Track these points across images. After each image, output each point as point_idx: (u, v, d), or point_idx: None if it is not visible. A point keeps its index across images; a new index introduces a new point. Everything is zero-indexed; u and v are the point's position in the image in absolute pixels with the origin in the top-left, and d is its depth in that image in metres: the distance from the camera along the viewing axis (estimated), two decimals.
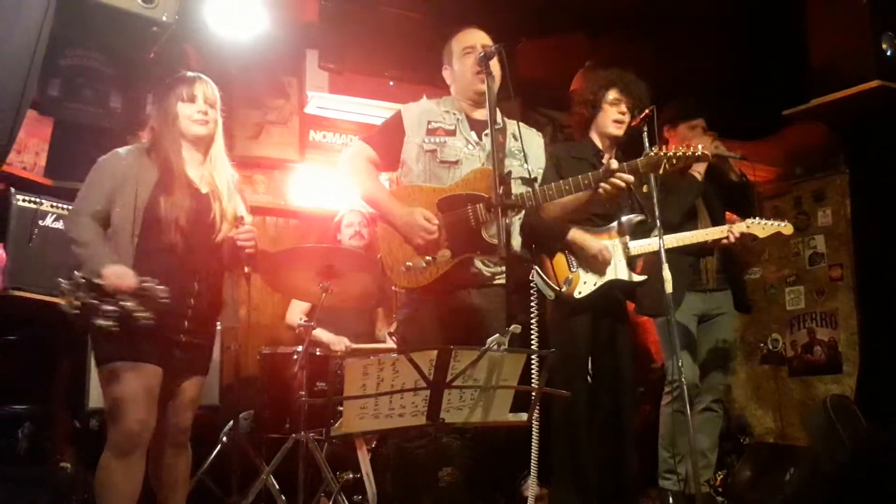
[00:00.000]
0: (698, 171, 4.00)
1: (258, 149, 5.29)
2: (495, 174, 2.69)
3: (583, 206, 2.97)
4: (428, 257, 2.89)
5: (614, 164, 2.78)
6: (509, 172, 2.98)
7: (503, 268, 3.06)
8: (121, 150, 2.91)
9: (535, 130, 3.26)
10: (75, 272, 2.62)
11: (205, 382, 3.01)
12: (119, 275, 2.62)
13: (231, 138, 5.16)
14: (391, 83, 4.83)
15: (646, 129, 3.37)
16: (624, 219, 3.57)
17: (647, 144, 3.32)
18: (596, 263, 3.52)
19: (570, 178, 2.86)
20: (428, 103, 3.18)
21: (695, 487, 3.31)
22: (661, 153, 2.85)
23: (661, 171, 2.88)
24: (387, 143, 3.11)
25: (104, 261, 2.66)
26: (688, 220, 4.01)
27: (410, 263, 2.91)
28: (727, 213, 4.18)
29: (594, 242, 3.52)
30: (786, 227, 3.87)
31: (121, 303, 2.57)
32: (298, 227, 5.44)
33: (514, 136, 3.07)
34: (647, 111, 3.42)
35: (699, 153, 2.89)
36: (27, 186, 3.83)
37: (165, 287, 2.64)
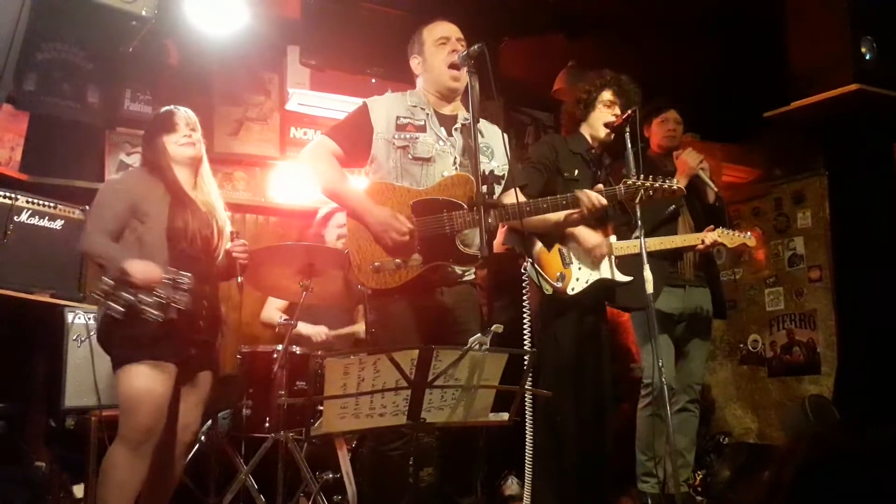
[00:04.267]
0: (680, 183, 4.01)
1: (238, 146, 5.25)
2: (477, 174, 2.68)
3: (557, 224, 3.16)
4: (398, 260, 2.83)
5: (599, 187, 2.99)
6: (492, 172, 2.95)
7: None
8: (126, 173, 3.28)
9: (495, 126, 3.16)
10: (103, 278, 2.80)
11: (212, 380, 3.18)
12: (144, 269, 2.84)
13: (211, 135, 5.15)
14: (373, 80, 4.80)
15: (627, 129, 3.38)
16: (610, 220, 3.58)
17: (628, 145, 3.34)
18: (591, 256, 3.53)
19: (548, 198, 2.97)
20: (394, 97, 3.09)
21: (674, 487, 3.32)
22: (640, 184, 3.05)
23: (636, 201, 3.06)
24: (352, 138, 2.99)
25: (124, 257, 2.86)
26: (666, 225, 4.03)
27: (378, 263, 2.84)
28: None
29: (593, 236, 3.53)
30: (750, 240, 4.01)
31: (156, 293, 2.79)
32: (278, 224, 5.40)
33: (480, 133, 3.00)
34: (629, 112, 3.44)
35: (675, 188, 3.12)
36: (2, 182, 3.78)
37: (188, 273, 2.88)
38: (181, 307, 2.84)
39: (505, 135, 3.09)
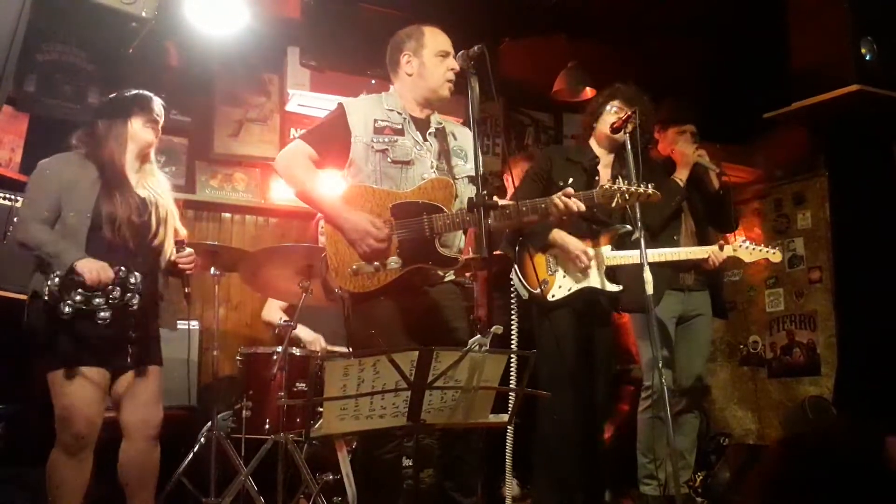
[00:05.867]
0: (680, 177, 4.00)
1: (238, 147, 5.25)
2: (478, 175, 2.67)
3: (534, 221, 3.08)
4: (377, 263, 2.81)
5: (570, 191, 2.92)
6: (490, 173, 2.95)
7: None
8: (62, 155, 3.06)
9: (465, 128, 3.14)
10: (52, 277, 2.72)
11: (161, 372, 3.13)
12: (96, 268, 2.78)
13: (211, 136, 5.16)
14: (373, 81, 4.79)
15: (627, 130, 3.37)
16: (609, 229, 3.56)
17: (628, 147, 3.33)
18: (574, 264, 3.51)
19: (527, 201, 2.93)
20: (370, 100, 3.07)
21: (675, 489, 3.32)
22: (616, 188, 2.99)
23: (613, 204, 3.01)
24: (329, 141, 2.96)
25: (74, 255, 2.80)
26: (670, 224, 4.01)
27: (356, 266, 2.82)
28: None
29: (575, 243, 3.51)
30: (774, 255, 3.71)
31: (112, 296, 2.76)
32: (278, 225, 5.40)
33: (453, 136, 3.05)
34: (628, 114, 3.43)
35: (650, 193, 3.05)
36: (2, 183, 3.77)
37: (137, 273, 2.87)
38: (133, 308, 2.81)
39: (473, 135, 3.10)
